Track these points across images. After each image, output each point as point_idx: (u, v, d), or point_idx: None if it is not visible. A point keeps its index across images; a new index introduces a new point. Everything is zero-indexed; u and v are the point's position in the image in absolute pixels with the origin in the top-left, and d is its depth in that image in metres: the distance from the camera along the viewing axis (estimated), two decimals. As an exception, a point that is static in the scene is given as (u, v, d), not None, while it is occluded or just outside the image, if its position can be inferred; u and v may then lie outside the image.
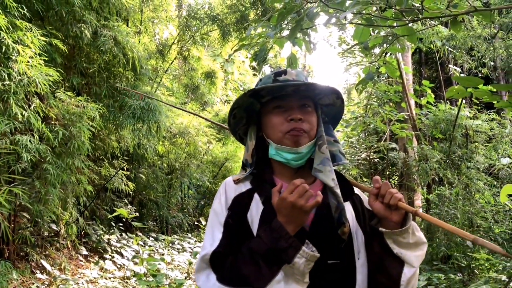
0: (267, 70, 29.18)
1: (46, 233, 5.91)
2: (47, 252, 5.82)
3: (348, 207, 1.32)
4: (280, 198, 1.18)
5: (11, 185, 4.19)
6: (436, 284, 5.30)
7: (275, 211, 1.24)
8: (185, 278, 5.90)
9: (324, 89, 1.37)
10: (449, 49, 8.65)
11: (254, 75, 22.13)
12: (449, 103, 8.27)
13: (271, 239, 1.17)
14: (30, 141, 4.40)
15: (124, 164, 7.31)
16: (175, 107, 3.50)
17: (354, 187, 1.42)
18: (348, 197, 1.33)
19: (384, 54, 6.37)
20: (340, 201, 1.22)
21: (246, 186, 1.38)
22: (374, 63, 5.60)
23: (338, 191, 1.23)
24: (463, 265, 5.83)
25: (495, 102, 4.20)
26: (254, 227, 1.28)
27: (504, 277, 4.48)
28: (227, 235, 1.29)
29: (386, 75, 9.56)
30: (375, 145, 9.60)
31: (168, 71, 9.53)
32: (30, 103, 4.66)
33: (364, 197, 1.43)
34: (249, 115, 1.44)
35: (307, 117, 1.32)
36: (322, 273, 1.21)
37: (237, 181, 1.40)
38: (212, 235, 1.31)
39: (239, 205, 1.34)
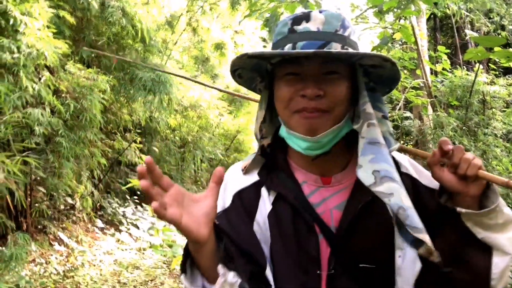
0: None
1: (62, 207, 5.98)
2: (63, 225, 5.89)
3: None
4: None
5: (24, 154, 4.20)
6: None
7: (290, 214, 0.96)
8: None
9: (360, 55, 0.92)
10: (465, 13, 8.38)
11: (264, 46, 21.83)
12: (465, 69, 8.07)
13: None
14: (41, 114, 4.39)
15: (137, 137, 7.31)
16: (186, 78, 3.43)
17: (404, 163, 1.04)
18: None
19: (398, 19, 6.17)
20: (396, 203, 0.84)
21: (252, 176, 1.04)
22: (388, 28, 5.44)
23: (381, 188, 0.87)
24: None
25: (514, 64, 4.04)
26: (262, 237, 0.97)
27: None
28: None
29: (400, 42, 9.33)
30: (389, 114, 9.47)
31: (177, 43, 9.42)
32: (40, 76, 4.63)
33: (419, 170, 1.05)
34: (261, 74, 1.07)
35: (331, 90, 0.92)
36: (352, 279, 0.93)
37: (245, 170, 1.06)
38: None
39: (242, 204, 1.01)
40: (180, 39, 9.46)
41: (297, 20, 0.94)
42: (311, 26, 0.93)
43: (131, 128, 7.07)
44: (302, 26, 0.93)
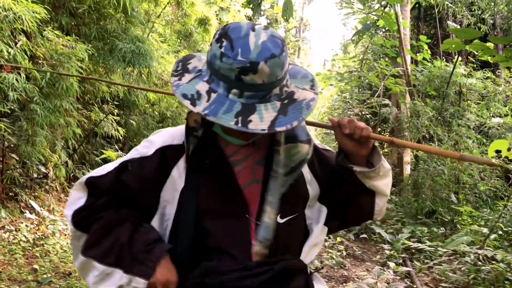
0: (263, 21, 28.51)
1: (35, 175, 5.91)
2: (36, 194, 5.83)
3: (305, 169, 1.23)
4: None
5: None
6: (419, 237, 5.44)
7: (212, 175, 1.13)
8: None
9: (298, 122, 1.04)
10: (449, 4, 8.47)
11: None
12: (445, 60, 8.20)
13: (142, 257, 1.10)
14: (16, 79, 4.31)
15: (114, 109, 7.23)
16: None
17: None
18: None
19: (383, 7, 6.19)
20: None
21: (180, 138, 1.18)
22: (371, 14, 5.47)
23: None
24: (446, 220, 5.96)
25: (489, 58, 4.13)
26: (167, 196, 1.15)
27: (485, 230, 4.60)
28: (115, 178, 1.15)
29: (383, 29, 9.39)
30: (368, 100, 9.56)
31: (160, 16, 9.27)
32: (16, 40, 4.53)
33: (313, 137, 1.29)
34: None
35: (264, 140, 1.20)
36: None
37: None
38: (108, 166, 1.18)
39: (162, 159, 1.16)
40: (163, 12, 9.31)
41: (245, 70, 0.98)
42: (257, 79, 0.99)
43: (109, 99, 6.98)
44: (249, 78, 0.99)
